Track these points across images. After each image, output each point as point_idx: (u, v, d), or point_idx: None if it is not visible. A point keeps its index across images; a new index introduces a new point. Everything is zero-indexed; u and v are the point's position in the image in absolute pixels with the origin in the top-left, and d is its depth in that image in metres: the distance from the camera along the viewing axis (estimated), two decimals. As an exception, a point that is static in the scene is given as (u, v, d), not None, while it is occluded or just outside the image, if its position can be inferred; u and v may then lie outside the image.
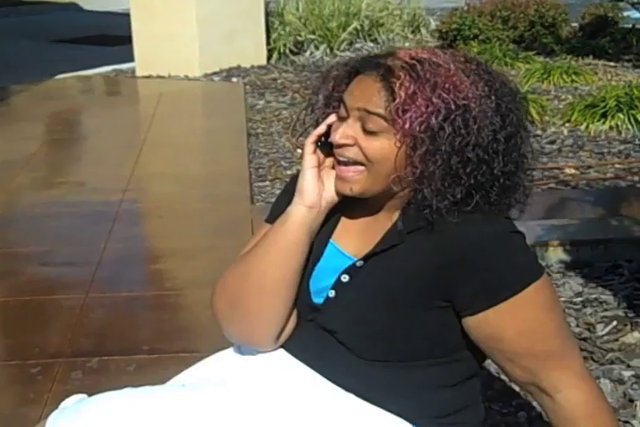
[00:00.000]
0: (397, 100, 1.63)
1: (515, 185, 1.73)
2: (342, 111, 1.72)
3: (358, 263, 1.77)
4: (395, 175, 1.67)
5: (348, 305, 1.76)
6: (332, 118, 1.76)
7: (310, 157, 1.77)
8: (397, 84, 1.63)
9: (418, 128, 1.62)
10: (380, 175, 1.69)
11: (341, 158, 1.72)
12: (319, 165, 1.78)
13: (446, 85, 1.63)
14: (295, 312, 1.82)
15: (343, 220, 1.85)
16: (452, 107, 1.62)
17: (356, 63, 1.75)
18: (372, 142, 1.67)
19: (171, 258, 4.27)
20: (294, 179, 1.83)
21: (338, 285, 1.78)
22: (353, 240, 1.82)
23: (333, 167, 1.78)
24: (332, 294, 1.79)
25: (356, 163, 1.70)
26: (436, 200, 1.65)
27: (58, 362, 3.19)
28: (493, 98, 1.66)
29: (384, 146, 1.66)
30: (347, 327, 1.76)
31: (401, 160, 1.66)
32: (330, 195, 1.78)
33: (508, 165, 1.69)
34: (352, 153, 1.70)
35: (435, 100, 1.62)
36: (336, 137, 1.70)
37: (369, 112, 1.66)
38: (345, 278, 1.77)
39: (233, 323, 1.83)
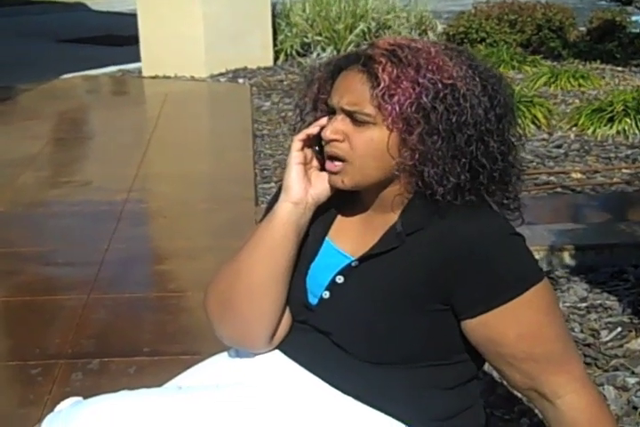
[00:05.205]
0: (382, 85, 1.62)
1: (510, 167, 1.71)
2: (330, 109, 1.72)
3: (353, 264, 1.75)
4: (396, 161, 1.66)
5: (342, 307, 1.74)
6: (324, 121, 1.74)
7: (297, 153, 1.77)
8: (380, 70, 1.63)
9: (409, 109, 1.62)
10: (368, 168, 1.68)
11: (329, 153, 1.71)
12: (306, 164, 1.77)
13: (430, 66, 1.64)
14: (288, 312, 1.81)
15: (339, 217, 1.83)
16: (440, 86, 1.63)
17: (338, 61, 1.75)
18: (362, 134, 1.67)
19: (174, 259, 4.26)
20: None
21: (332, 286, 1.76)
22: (350, 238, 1.80)
23: (322, 169, 1.77)
24: (326, 295, 1.77)
25: (340, 159, 1.69)
26: (439, 183, 1.64)
27: (58, 363, 3.17)
28: (478, 80, 1.66)
29: (374, 136, 1.66)
30: (342, 329, 1.74)
31: (394, 146, 1.65)
32: (316, 192, 1.76)
33: (502, 145, 1.68)
34: (338, 149, 1.69)
35: (421, 80, 1.62)
36: (327, 133, 1.70)
37: (355, 103, 1.65)
38: (340, 280, 1.76)
39: (224, 323, 1.82)
